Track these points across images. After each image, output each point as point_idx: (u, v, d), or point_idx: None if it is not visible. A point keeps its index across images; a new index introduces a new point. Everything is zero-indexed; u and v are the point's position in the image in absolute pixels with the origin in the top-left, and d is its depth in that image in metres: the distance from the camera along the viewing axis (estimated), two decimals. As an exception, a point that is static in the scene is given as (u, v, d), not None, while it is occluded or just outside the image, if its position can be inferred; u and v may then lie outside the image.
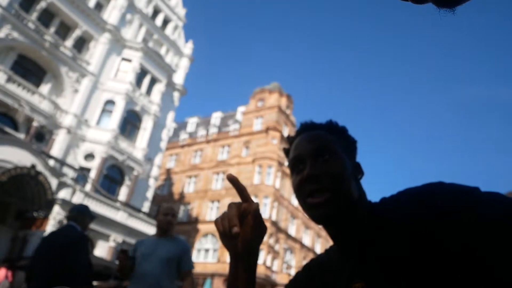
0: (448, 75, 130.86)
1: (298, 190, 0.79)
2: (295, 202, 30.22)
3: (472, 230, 0.60)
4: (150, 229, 19.46)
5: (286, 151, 0.88)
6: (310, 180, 0.76)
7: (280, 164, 30.16)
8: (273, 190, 28.96)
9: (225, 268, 26.93)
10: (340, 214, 0.75)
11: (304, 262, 0.92)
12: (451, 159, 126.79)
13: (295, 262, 28.30)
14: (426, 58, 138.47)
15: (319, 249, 34.15)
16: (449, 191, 0.67)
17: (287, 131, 32.83)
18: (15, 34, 16.51)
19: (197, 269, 27.97)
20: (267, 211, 27.89)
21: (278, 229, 28.73)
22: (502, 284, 0.58)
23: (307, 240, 33.14)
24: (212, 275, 26.41)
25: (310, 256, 31.13)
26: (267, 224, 26.78)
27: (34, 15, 17.49)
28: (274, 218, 28.05)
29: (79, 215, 3.41)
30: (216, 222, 0.73)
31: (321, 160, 0.78)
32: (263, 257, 25.46)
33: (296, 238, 30.92)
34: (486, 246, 0.59)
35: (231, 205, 0.73)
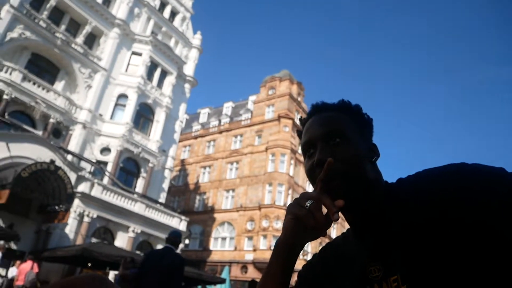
0: (449, 62, 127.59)
1: (310, 176, 0.78)
2: (309, 189, 30.26)
3: (498, 211, 0.59)
4: (167, 220, 19.89)
5: (299, 133, 0.86)
6: (320, 165, 0.73)
7: (293, 151, 30.19)
8: (287, 177, 29.09)
9: (242, 255, 27.36)
10: (354, 199, 0.73)
11: (320, 248, 0.97)
12: (458, 145, 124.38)
13: (311, 248, 28.47)
14: (434, 44, 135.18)
15: (334, 234, 34.22)
16: (474, 171, 0.65)
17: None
18: (28, 33, 16.84)
19: (215, 257, 28.50)
20: (282, 198, 28.09)
21: (294, 215, 28.79)
22: None
23: (322, 226, 33.26)
24: (230, 263, 26.87)
25: (326, 242, 31.09)
26: (282, 211, 27.12)
27: (44, 14, 17.76)
28: (289, 205, 28.16)
29: (175, 239, 4.36)
30: (302, 216, 0.67)
31: (331, 144, 0.75)
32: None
33: (312, 224, 31.04)
34: None
35: (321, 197, 0.68)
